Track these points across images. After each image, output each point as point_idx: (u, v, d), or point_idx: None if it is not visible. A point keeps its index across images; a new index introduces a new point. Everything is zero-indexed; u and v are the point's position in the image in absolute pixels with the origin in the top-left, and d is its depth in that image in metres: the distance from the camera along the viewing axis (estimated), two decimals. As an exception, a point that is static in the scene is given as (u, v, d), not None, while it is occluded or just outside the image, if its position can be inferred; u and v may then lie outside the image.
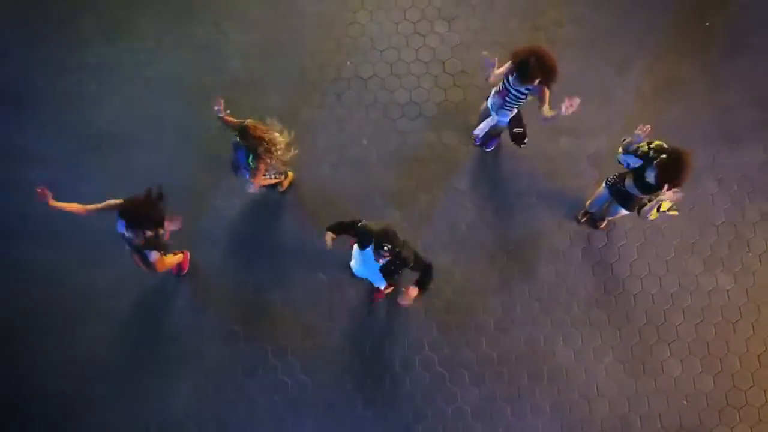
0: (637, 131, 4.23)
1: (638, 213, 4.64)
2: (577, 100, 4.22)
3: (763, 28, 6.10)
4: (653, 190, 4.37)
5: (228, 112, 4.60)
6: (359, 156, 5.79)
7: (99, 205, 4.34)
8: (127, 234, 4.38)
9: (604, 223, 5.54)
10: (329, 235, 4.38)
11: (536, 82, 4.37)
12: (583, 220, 5.58)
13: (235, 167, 4.98)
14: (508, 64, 4.53)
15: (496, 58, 4.49)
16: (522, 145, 5.38)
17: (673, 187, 4.19)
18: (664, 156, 4.16)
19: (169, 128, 5.90)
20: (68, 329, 5.30)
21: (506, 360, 5.19)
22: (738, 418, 5.04)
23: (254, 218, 5.70)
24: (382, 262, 4.00)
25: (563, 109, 4.28)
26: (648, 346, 5.23)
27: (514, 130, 5.17)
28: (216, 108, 4.57)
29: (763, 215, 5.55)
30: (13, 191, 5.56)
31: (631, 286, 5.40)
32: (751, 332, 5.24)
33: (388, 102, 5.94)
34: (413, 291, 4.12)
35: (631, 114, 5.73)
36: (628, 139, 4.34)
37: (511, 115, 4.98)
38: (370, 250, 3.99)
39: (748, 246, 5.47)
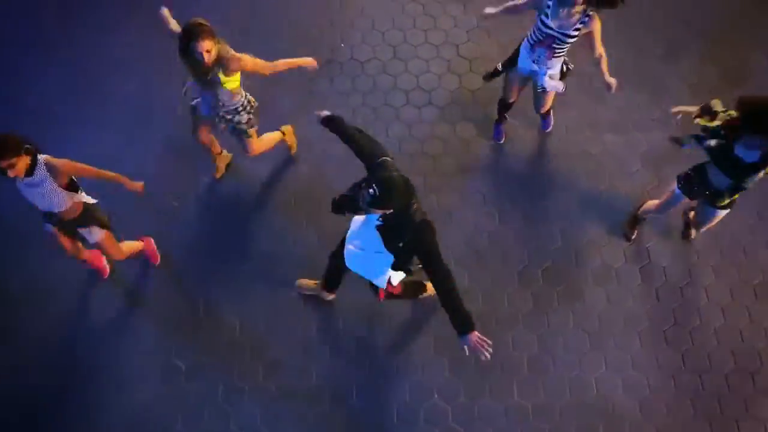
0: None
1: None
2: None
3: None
4: (757, 167, 3.16)
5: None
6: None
7: None
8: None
9: (694, 233, 4.22)
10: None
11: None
12: (633, 236, 4.32)
13: (205, 108, 3.90)
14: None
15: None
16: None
17: None
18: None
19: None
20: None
21: (545, 412, 3.74)
22: None
23: (215, 220, 4.44)
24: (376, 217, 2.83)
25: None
26: (741, 400, 3.78)
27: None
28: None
29: None
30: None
31: (710, 318, 4.02)
32: None
33: (389, 88, 4.84)
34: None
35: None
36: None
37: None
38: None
39: None
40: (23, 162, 2.98)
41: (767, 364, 3.86)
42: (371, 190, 2.59)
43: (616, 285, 4.13)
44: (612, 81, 3.82)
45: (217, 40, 3.54)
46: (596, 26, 3.64)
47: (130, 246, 3.95)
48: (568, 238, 4.30)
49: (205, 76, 3.65)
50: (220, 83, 3.69)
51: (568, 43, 3.71)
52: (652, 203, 4.04)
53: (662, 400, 3.76)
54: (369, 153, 3.00)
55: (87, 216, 3.46)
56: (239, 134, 4.07)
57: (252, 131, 4.06)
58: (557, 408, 3.72)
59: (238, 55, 3.63)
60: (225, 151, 4.53)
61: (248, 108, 3.99)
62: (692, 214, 4.12)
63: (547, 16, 3.58)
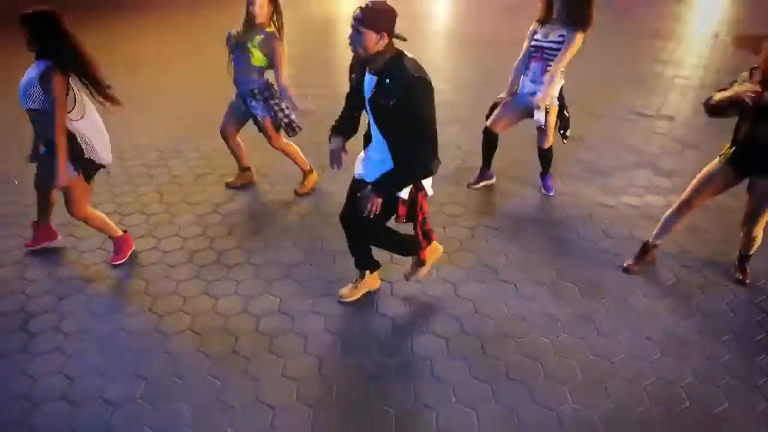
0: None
1: None
2: None
3: None
4: None
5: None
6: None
7: None
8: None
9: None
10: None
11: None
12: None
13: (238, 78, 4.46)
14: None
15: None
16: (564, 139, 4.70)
17: None
18: None
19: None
20: None
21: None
22: None
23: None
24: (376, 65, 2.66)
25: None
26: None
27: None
28: None
29: None
30: None
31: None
32: None
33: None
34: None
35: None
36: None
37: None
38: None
39: None
40: None
41: None
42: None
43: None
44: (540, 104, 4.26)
45: (276, 6, 4.24)
46: (576, 41, 4.14)
47: (101, 218, 3.79)
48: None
49: (247, 28, 4.25)
50: (251, 51, 4.26)
51: (556, 52, 4.21)
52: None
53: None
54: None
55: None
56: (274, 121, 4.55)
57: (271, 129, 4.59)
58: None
59: (280, 39, 4.28)
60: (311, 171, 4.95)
61: (271, 93, 4.48)
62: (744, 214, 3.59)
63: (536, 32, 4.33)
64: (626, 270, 3.82)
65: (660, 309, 3.44)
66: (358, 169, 3.09)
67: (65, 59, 3.21)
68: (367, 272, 3.55)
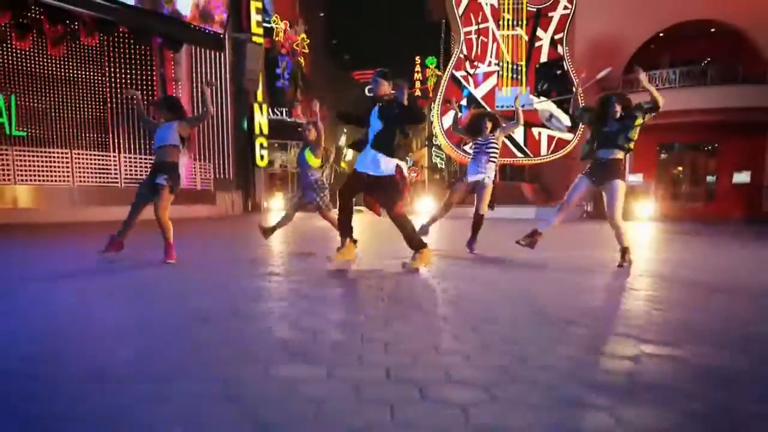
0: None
1: None
2: None
3: None
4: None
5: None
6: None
7: None
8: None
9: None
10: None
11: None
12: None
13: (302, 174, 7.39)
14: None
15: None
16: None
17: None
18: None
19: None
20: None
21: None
22: None
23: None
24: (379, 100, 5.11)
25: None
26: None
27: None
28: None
29: None
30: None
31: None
32: None
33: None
34: None
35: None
36: None
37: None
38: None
39: None
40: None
41: None
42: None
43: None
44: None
45: (318, 131, 7.17)
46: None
47: (169, 227, 5.76)
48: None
49: (305, 142, 7.39)
50: (305, 155, 7.22)
51: (492, 148, 6.81)
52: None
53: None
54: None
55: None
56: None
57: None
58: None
59: (325, 147, 7.29)
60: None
61: (321, 186, 7.23)
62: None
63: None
64: (517, 242, 5.83)
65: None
66: (360, 166, 5.18)
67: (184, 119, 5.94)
68: (348, 240, 5.24)
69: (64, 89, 18.45)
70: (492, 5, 21.18)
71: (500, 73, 21.34)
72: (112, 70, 19.02)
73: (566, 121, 20.94)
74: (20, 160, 14.41)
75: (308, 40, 33.04)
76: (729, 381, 2.19)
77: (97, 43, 17.99)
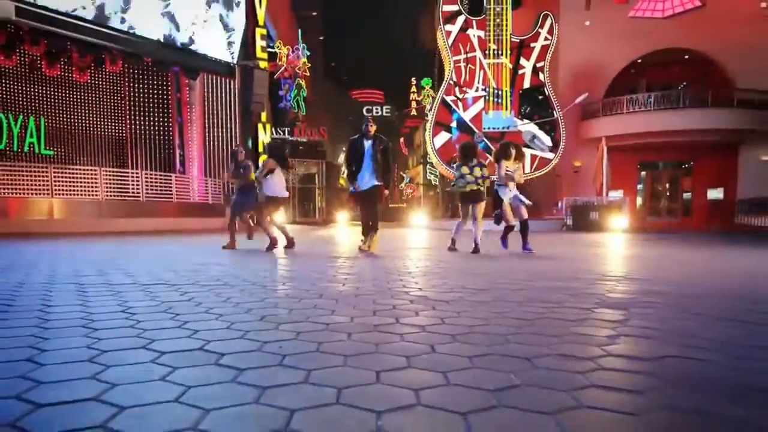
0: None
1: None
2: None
3: None
4: None
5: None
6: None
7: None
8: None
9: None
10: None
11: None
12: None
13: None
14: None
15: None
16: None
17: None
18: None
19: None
20: None
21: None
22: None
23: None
24: (371, 137, 7.60)
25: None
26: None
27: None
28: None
29: None
30: None
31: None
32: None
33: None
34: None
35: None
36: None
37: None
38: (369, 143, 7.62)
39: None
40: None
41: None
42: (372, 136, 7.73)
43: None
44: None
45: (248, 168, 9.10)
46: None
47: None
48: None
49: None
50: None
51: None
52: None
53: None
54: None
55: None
56: None
57: None
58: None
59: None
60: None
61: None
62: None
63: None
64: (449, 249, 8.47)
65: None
66: (362, 186, 7.54)
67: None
68: (371, 235, 7.81)
69: (88, 112, 20.19)
70: (479, 36, 23.01)
71: (487, 98, 23.10)
72: (133, 94, 20.82)
73: (548, 141, 22.67)
74: (56, 177, 16.06)
75: (309, 64, 34.81)
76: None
77: (120, 70, 19.74)
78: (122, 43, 17.85)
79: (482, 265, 6.32)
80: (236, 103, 23.18)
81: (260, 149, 26.33)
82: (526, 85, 23.19)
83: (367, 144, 7.58)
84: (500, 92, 23.01)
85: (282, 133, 32.07)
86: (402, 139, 59.97)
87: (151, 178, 18.88)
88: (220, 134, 22.50)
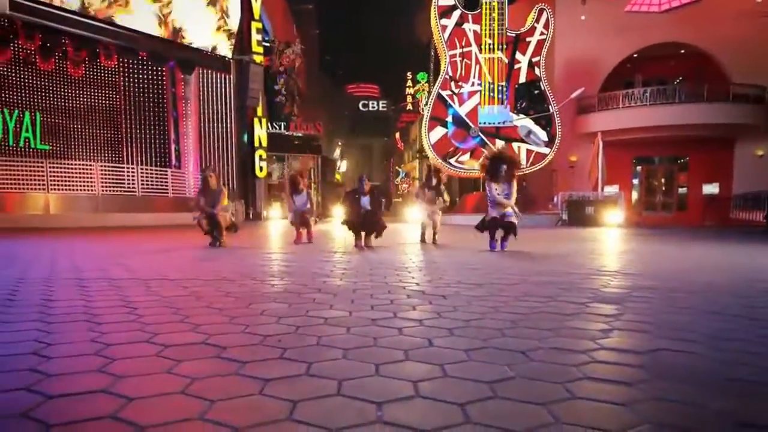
0: None
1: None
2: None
3: None
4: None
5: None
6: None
7: None
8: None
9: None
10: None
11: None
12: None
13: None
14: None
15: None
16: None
17: None
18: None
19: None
20: None
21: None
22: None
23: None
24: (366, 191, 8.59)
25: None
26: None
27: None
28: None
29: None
30: None
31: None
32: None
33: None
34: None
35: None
36: None
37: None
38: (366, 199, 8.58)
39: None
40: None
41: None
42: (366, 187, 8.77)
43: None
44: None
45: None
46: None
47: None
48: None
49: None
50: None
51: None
52: None
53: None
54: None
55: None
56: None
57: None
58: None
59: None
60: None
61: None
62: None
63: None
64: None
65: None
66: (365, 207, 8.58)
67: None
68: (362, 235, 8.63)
69: (83, 106, 20.14)
70: (475, 31, 23.03)
71: (482, 92, 23.14)
72: (128, 88, 20.77)
73: (543, 136, 22.74)
74: (52, 172, 16.04)
75: (304, 58, 34.79)
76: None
77: (115, 65, 19.70)
78: (117, 38, 17.81)
79: (478, 261, 6.39)
80: (232, 97, 23.17)
81: (256, 144, 26.34)
82: (522, 79, 23.23)
83: (365, 200, 8.53)
84: (496, 87, 23.06)
85: (278, 128, 32.05)
86: (397, 134, 60.01)
87: (146, 172, 18.89)
88: (215, 129, 22.54)
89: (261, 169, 27.02)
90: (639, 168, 28.85)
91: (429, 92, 28.55)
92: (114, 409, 1.63)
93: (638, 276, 5.06)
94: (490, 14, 22.75)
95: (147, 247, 8.36)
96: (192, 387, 1.84)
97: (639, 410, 1.69)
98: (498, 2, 22.75)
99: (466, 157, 23.06)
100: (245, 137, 25.88)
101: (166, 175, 19.57)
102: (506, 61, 23.09)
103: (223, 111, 22.75)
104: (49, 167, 16.09)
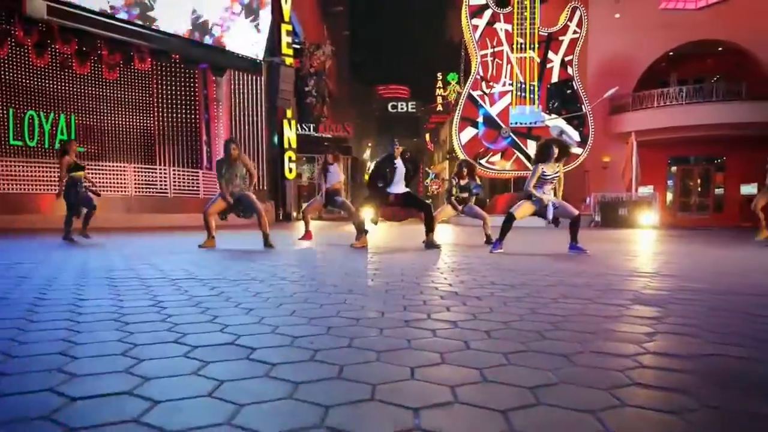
0: None
1: None
2: None
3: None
4: None
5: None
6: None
7: None
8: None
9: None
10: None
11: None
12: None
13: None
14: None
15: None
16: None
17: None
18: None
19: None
20: None
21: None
22: None
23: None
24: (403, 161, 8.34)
25: None
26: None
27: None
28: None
29: None
30: None
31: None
32: None
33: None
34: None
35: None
36: None
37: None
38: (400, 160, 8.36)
39: None
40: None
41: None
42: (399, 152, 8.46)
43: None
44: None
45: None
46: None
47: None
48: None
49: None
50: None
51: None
52: None
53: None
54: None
55: None
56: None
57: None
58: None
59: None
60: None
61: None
62: None
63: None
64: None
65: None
66: (394, 191, 8.32)
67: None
68: (362, 235, 8.45)
69: (117, 109, 20.46)
70: (506, 30, 22.82)
71: (514, 92, 22.88)
72: (160, 91, 21.04)
73: (576, 136, 22.38)
74: (87, 173, 16.29)
75: (334, 59, 34.88)
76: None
77: (149, 68, 19.97)
78: (151, 41, 18.04)
79: (510, 262, 6.25)
80: (263, 99, 23.31)
81: (285, 145, 26.47)
82: (555, 79, 22.92)
83: (398, 163, 8.39)
84: (528, 86, 22.78)
85: (307, 129, 32.18)
86: (427, 135, 59.81)
87: (178, 174, 19.08)
88: (246, 130, 22.67)
89: (290, 170, 27.14)
90: (674, 168, 28.26)
91: (459, 93, 28.34)
92: (139, 413, 1.57)
93: (678, 278, 4.87)
94: (522, 13, 22.50)
95: (177, 247, 8.39)
96: (220, 390, 1.77)
97: (693, 420, 1.56)
98: (530, 1, 22.47)
99: (497, 157, 22.83)
100: (275, 138, 26.03)
101: (198, 176, 19.74)
102: (538, 60, 22.83)
103: (254, 113, 22.91)
104: (84, 169, 16.35)
